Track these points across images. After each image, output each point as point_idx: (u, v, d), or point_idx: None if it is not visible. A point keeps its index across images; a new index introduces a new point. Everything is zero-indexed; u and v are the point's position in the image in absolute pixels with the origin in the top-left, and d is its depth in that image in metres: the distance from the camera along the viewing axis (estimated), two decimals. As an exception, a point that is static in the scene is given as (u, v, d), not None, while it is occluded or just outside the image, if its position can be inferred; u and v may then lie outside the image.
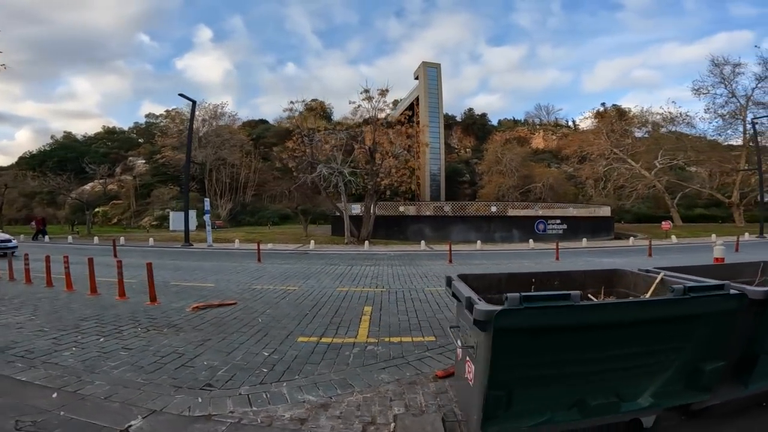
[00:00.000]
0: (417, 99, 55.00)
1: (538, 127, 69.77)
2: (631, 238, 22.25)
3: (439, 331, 5.16)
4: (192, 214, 38.11)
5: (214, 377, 3.70)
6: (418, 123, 48.02)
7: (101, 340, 4.80)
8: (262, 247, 15.79)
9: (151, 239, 21.02)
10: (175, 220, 35.76)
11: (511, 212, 27.20)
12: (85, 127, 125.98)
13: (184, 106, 61.93)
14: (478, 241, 19.60)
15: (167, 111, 66.57)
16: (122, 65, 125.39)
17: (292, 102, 78.48)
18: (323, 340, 4.91)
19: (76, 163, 51.48)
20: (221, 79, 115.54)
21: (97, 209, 41.97)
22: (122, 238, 22.11)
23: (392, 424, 2.82)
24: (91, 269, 8.19)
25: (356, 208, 24.97)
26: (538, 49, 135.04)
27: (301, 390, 3.43)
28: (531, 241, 20.06)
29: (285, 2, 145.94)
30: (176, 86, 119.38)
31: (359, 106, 24.23)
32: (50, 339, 4.79)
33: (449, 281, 2.87)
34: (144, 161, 51.23)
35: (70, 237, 24.24)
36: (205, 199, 21.52)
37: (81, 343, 4.64)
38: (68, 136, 67.26)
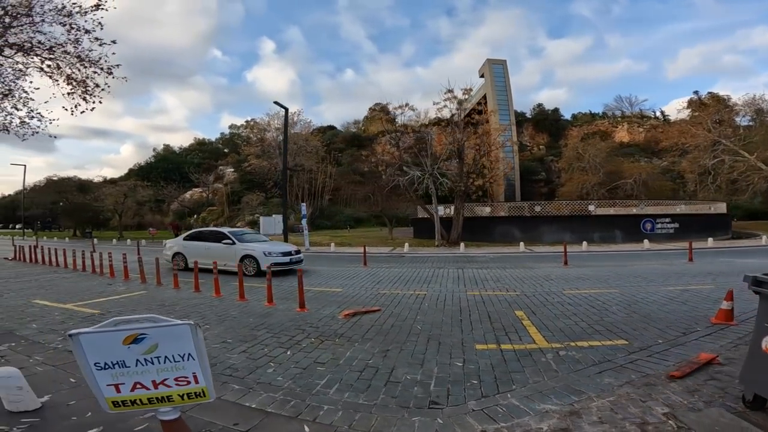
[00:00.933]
0: (484, 97, 53.02)
1: (620, 119, 64.18)
2: (764, 237, 19.20)
3: (625, 335, 5.07)
4: (278, 218, 39.91)
5: (431, 393, 3.55)
6: (487, 121, 46.11)
7: (288, 353, 4.68)
8: (354, 250, 15.84)
9: (253, 243, 21.87)
10: (265, 224, 37.50)
11: (613, 211, 24.98)
12: (176, 140, 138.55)
13: (262, 116, 65.67)
14: (584, 242, 18.13)
15: (246, 122, 71.43)
16: (201, 80, 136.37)
17: (375, 106, 79.65)
18: (503, 347, 4.75)
19: (176, 173, 56.36)
20: (287, 88, 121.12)
21: (195, 215, 45.28)
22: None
23: (670, 422, 2.74)
24: (240, 276, 8.39)
25: (440, 211, 24.33)
26: (606, 39, 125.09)
27: (532, 399, 3.31)
28: (646, 241, 18.19)
29: (335, 10, 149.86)
30: (249, 98, 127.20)
31: (444, 106, 23.47)
32: (241, 353, 4.69)
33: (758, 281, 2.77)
34: (232, 170, 54.64)
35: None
36: (302, 203, 21.99)
37: (273, 357, 4.54)
38: (167, 148, 73.98)
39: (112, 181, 54.79)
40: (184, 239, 12.93)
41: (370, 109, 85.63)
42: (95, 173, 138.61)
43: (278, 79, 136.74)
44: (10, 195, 70.97)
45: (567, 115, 73.06)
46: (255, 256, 11.22)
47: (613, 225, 22.97)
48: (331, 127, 77.34)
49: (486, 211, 25.75)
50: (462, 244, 18.79)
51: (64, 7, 14.85)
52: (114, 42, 16.80)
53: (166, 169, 57.31)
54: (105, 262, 12.40)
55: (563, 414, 3.00)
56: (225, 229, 12.83)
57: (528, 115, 70.33)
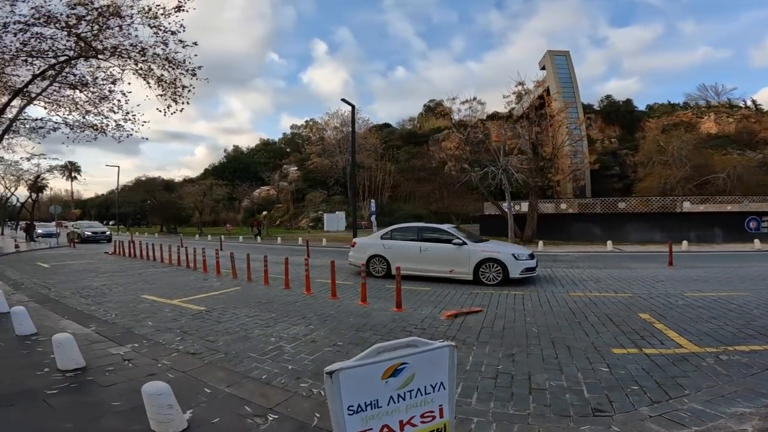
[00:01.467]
0: (547, 90, 49.90)
1: (706, 109, 57.50)
2: None
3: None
4: (341, 215, 40.43)
5: (589, 401, 3.29)
6: (552, 116, 43.37)
7: None
8: None
9: (324, 240, 22.09)
10: (329, 221, 38.05)
11: (702, 208, 22.26)
12: (242, 141, 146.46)
13: (322, 115, 67.17)
14: (684, 242, 16.16)
15: (306, 121, 73.91)
16: (261, 83, 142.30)
17: (429, 102, 78.59)
18: (648, 351, 4.43)
19: (245, 171, 59.10)
20: (341, 88, 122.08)
21: (264, 212, 47.12)
22: (300, 239, 23.75)
23: None
24: (333, 274, 8.14)
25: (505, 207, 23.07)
26: (678, 27, 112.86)
27: (718, 403, 3.12)
28: (757, 241, 15.92)
29: (382, 9, 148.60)
30: (305, 99, 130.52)
31: (513, 99, 22.12)
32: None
33: None
34: (295, 168, 56.22)
35: (258, 238, 27.06)
36: (371, 200, 21.75)
37: None
38: (236, 149, 77.91)
39: (191, 181, 58.72)
40: (384, 238, 10.42)
41: (424, 105, 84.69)
42: (174, 173, 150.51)
43: (332, 80, 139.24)
44: (103, 194, 78.69)
45: (641, 106, 67.01)
46: (502, 261, 8.85)
47: (710, 223, 20.40)
48: (387, 125, 77.03)
49: (561, 207, 23.95)
50: (540, 242, 17.52)
51: (149, 9, 15.67)
52: (195, 44, 17.47)
53: (237, 169, 60.26)
54: (197, 258, 12.91)
55: (763, 415, 2.83)
56: (445, 226, 10.31)
57: (596, 107, 65.44)
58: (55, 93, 17.77)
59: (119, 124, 18.73)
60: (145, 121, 28.86)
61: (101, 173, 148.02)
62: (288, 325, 5.71)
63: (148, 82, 16.91)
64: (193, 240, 28.66)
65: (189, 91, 17.68)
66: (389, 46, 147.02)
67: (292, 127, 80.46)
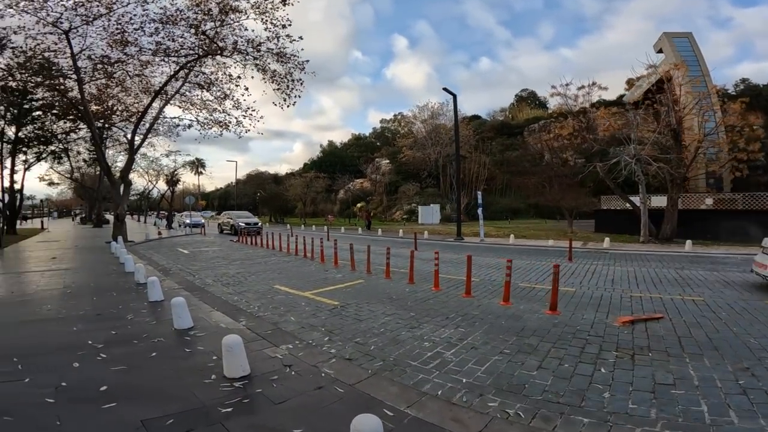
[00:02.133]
0: (667, 75, 42.50)
1: None
2: None
3: None
4: (435, 208, 39.32)
5: None
6: (676, 101, 36.45)
7: (603, 370, 3.79)
8: (537, 243, 13.37)
9: (426, 232, 21.24)
10: (424, 214, 37.19)
11: None
12: (333, 137, 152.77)
13: (412, 108, 66.32)
14: None
15: (394, 115, 74.41)
16: (348, 81, 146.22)
17: (522, 92, 73.96)
18: None
19: (340, 165, 61.04)
20: (424, 82, 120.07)
21: (360, 203, 48.00)
22: (401, 231, 23.23)
23: None
24: (469, 270, 7.25)
25: (634, 201, 19.73)
26: None
27: None
28: None
29: (459, 0, 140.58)
30: (390, 93, 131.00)
31: (646, 82, 18.78)
32: (539, 369, 3.83)
33: None
34: (387, 161, 56.28)
35: (360, 229, 27.25)
36: (478, 192, 20.26)
37: (589, 377, 3.65)
38: (331, 144, 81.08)
39: (293, 174, 62.56)
40: None
41: (516, 95, 79.21)
42: (276, 168, 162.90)
43: (415, 74, 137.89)
44: (221, 188, 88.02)
45: (787, 89, 54.35)
46: None
47: None
48: (476, 117, 73.45)
49: (707, 202, 19.87)
50: (689, 242, 14.49)
51: (260, 4, 16.05)
52: (301, 38, 17.63)
53: (333, 163, 62.55)
54: (314, 248, 12.89)
55: None
56: None
57: (731, 91, 54.63)
58: (186, 93, 19.51)
59: (239, 121, 20.07)
60: (261, 116, 31.07)
61: (219, 169, 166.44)
62: (435, 327, 5.17)
63: (265, 77, 17.65)
64: (298, 230, 29.89)
65: (301, 83, 18.13)
66: (471, 37, 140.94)
67: (381, 121, 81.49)
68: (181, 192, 55.78)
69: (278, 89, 17.87)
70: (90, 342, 4.30)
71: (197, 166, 45.94)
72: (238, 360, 3.61)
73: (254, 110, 19.61)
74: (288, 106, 18.25)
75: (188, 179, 65.92)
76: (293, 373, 3.71)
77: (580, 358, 4.08)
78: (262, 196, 49.60)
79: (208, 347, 4.27)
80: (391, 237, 21.96)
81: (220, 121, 19.77)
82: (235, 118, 19.54)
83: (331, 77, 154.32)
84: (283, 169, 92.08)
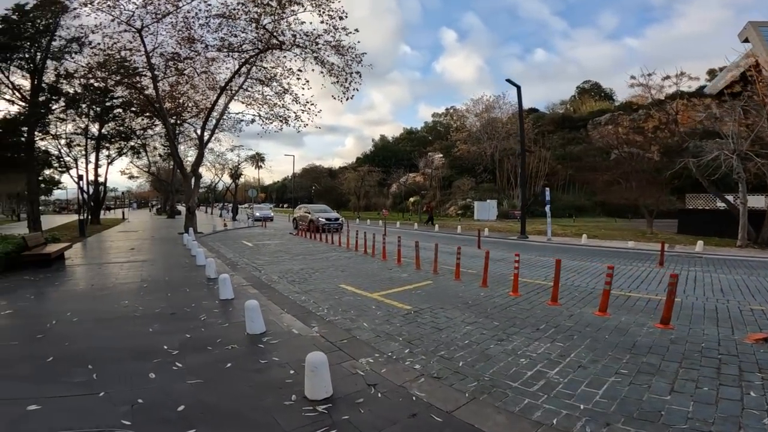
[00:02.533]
0: (755, 65, 36.97)
1: None
2: None
3: None
4: (492, 204, 37.62)
5: None
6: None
7: (753, 394, 3.21)
8: (611, 244, 11.91)
9: (486, 230, 20.12)
10: (480, 209, 35.76)
11: None
12: (384, 131, 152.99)
13: (466, 102, 64.17)
14: None
15: (446, 109, 72.96)
16: (398, 75, 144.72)
17: (584, 83, 69.34)
18: None
19: (392, 159, 60.71)
20: (475, 75, 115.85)
21: (413, 198, 47.36)
22: (459, 227, 22.28)
23: None
24: (557, 274, 6.49)
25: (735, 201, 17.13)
26: None
27: None
28: None
29: None
30: (441, 87, 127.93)
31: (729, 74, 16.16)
32: (674, 394, 3.26)
33: None
34: (440, 156, 54.99)
35: (415, 224, 26.62)
36: (546, 189, 18.78)
37: (747, 407, 3.05)
38: (383, 138, 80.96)
39: (346, 168, 63.26)
40: None
41: (578, 87, 73.90)
42: (329, 162, 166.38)
43: (465, 67, 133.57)
44: (278, 181, 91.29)
45: None
46: None
47: None
48: (534, 110, 69.51)
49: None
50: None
51: None
52: (357, 30, 17.21)
53: (385, 157, 62.43)
54: (373, 244, 12.45)
55: None
56: None
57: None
58: (248, 89, 19.94)
59: (298, 116, 20.22)
60: (319, 110, 31.37)
61: (276, 163, 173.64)
62: (526, 340, 4.61)
63: (323, 70, 17.48)
64: (353, 223, 29.83)
65: (360, 75, 17.74)
66: (523, 29, 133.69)
67: (433, 115, 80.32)
68: (242, 185, 58.35)
69: (336, 82, 17.65)
70: (165, 347, 4.04)
71: (257, 160, 47.73)
72: (322, 381, 3.14)
73: (313, 104, 19.64)
74: (347, 99, 17.98)
75: (248, 173, 69.05)
76: (379, 395, 3.21)
77: (719, 380, 3.50)
78: (317, 190, 50.62)
79: (284, 358, 3.86)
80: (449, 233, 21.07)
81: (281, 116, 20.03)
82: (294, 112, 19.71)
83: (381, 72, 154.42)
84: (335, 163, 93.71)
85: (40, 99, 16.92)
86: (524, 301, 6.41)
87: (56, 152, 22.79)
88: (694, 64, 58.54)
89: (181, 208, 43.97)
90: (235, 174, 43.40)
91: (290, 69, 18.26)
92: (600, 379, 3.53)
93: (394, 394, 3.23)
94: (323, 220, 20.02)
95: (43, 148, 21.88)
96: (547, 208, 17.98)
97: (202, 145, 19.94)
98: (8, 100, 16.37)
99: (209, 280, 7.62)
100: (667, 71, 24.62)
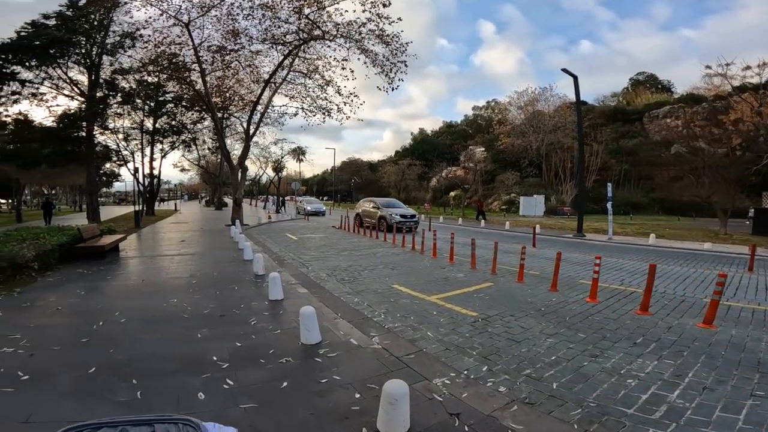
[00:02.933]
0: None
1: None
2: None
3: None
4: (539, 199, 35.71)
5: None
6: None
7: None
8: (683, 245, 10.63)
9: (537, 226, 18.84)
10: (525, 205, 34.07)
11: None
12: (421, 125, 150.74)
13: (507, 96, 61.51)
14: None
15: (487, 102, 70.83)
16: (435, 69, 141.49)
17: (637, 75, 64.84)
18: None
19: (432, 153, 59.43)
20: (516, 67, 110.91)
21: (451, 192, 46.10)
22: (507, 223, 21.10)
23: None
24: (651, 278, 5.64)
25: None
26: None
27: None
28: None
29: None
30: (480, 80, 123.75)
31: None
32: None
33: None
34: (482, 149, 53.03)
35: (460, 219, 25.64)
36: (608, 183, 17.27)
37: None
38: (422, 131, 79.44)
39: (386, 161, 62.78)
40: None
41: (631, 79, 68.54)
42: (367, 156, 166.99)
43: (505, 60, 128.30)
44: (318, 175, 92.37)
45: None
46: None
47: None
48: (582, 102, 65.39)
49: None
50: None
51: None
52: (400, 19, 16.37)
53: (425, 150, 61.23)
54: (422, 241, 11.76)
55: None
56: None
57: None
58: (292, 81, 19.76)
59: (340, 108, 19.80)
60: (362, 102, 30.80)
61: (316, 157, 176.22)
62: (626, 356, 3.95)
63: (367, 60, 16.91)
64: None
65: (405, 65, 16.98)
66: (566, 20, 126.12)
67: (473, 108, 78.21)
68: (284, 178, 59.40)
69: (381, 72, 17.05)
70: (215, 358, 3.59)
71: (298, 154, 48.25)
72: (401, 416, 2.53)
73: (356, 95, 19.16)
74: (393, 89, 17.29)
75: (289, 166, 70.22)
76: (466, 428, 2.59)
77: None
78: (357, 183, 50.48)
79: (346, 376, 3.30)
80: (496, 229, 19.95)
81: (323, 108, 19.74)
82: (336, 105, 19.38)
83: (418, 66, 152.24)
84: (373, 157, 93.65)
85: (98, 95, 17.56)
86: (606, 309, 5.60)
87: (114, 146, 23.90)
88: (758, 55, 52.41)
89: (228, 200, 45.31)
90: (278, 167, 44.08)
91: (334, 58, 17.85)
92: (735, 403, 2.97)
93: (484, 426, 2.61)
94: (398, 217, 16.73)
95: (103, 142, 23.04)
96: (609, 205, 16.46)
97: (248, 138, 20.03)
98: (68, 96, 17.08)
99: (257, 277, 7.26)
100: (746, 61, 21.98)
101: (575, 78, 19.27)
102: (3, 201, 40.46)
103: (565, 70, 18.65)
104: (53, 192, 43.66)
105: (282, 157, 42.89)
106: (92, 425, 0.82)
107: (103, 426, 0.83)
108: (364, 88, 58.29)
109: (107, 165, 26.49)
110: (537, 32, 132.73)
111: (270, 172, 48.09)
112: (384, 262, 9.48)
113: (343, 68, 17.29)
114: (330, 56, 17.88)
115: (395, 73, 17.06)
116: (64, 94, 16.90)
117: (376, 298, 6.15)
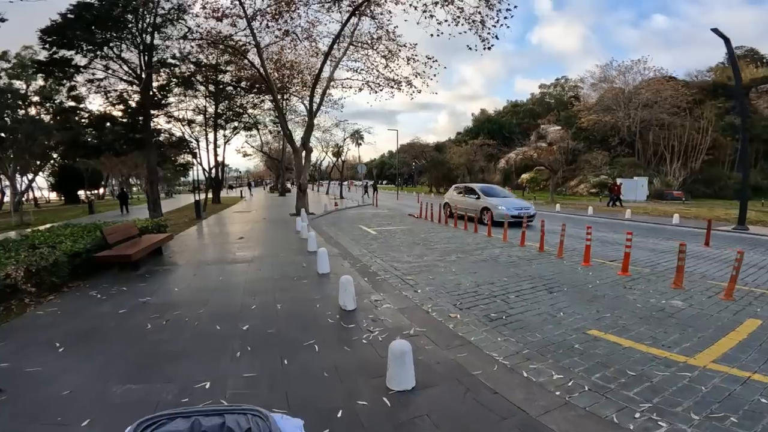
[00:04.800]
0: None
1: None
2: None
3: None
4: (642, 181, 29.82)
5: None
6: None
7: None
8: None
9: (676, 215, 14.32)
10: (624, 188, 28.10)
11: None
12: (477, 107, 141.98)
13: (586, 70, 53.79)
14: None
15: (557, 79, 65.02)
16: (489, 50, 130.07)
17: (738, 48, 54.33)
18: None
19: (498, 134, 54.07)
20: (579, 44, 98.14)
21: (523, 174, 41.11)
22: (628, 211, 16.60)
23: None
24: None
25: None
26: None
27: None
28: None
29: None
30: (539, 59, 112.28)
31: None
32: None
33: None
34: (558, 128, 46.68)
35: (557, 206, 21.33)
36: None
37: None
38: (483, 111, 73.30)
39: (454, 142, 58.73)
40: None
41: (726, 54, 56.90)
42: (423, 139, 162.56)
43: (567, 36, 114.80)
44: (375, 159, 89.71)
45: None
46: None
47: None
48: (671, 78, 55.99)
49: None
50: None
51: None
52: None
53: (490, 130, 55.97)
54: (541, 235, 8.17)
55: None
56: None
57: None
58: (356, 51, 16.76)
59: (410, 81, 16.54)
60: (435, 74, 26.62)
61: (371, 139, 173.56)
62: None
63: (448, 16, 13.41)
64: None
65: (509, 11, 13.17)
66: None
67: (540, 86, 71.89)
68: (343, 163, 57.49)
69: (471, 29, 13.43)
70: None
71: (357, 138, 45.65)
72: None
73: (435, 59, 15.61)
74: (487, 48, 13.65)
75: (348, 150, 67.94)
76: None
77: None
78: (421, 165, 47.00)
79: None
80: (612, 218, 15.59)
81: (391, 79, 16.57)
82: (405, 78, 16.36)
83: (471, 46, 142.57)
84: (430, 139, 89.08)
85: (155, 84, 16.18)
86: None
87: (179, 133, 22.70)
88: None
89: (291, 186, 44.05)
90: (339, 152, 41.79)
91: (415, 7, 14.42)
92: None
93: None
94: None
95: (169, 130, 21.86)
96: None
97: (311, 116, 17.41)
98: (127, 81, 15.46)
99: (345, 316, 4.25)
100: None
101: (727, 40, 14.24)
102: (92, 192, 42.30)
103: (715, 30, 13.56)
104: (130, 181, 45.13)
105: (344, 140, 40.46)
106: (167, 415, 0.82)
107: (177, 417, 0.83)
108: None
109: (180, 157, 25.79)
110: (601, 6, 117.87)
111: (331, 157, 46.06)
112: (526, 276, 6.13)
113: (431, 16, 13.75)
114: (404, 14, 14.53)
115: (491, 27, 13.40)
116: (121, 78, 15.33)
117: (584, 371, 2.87)
